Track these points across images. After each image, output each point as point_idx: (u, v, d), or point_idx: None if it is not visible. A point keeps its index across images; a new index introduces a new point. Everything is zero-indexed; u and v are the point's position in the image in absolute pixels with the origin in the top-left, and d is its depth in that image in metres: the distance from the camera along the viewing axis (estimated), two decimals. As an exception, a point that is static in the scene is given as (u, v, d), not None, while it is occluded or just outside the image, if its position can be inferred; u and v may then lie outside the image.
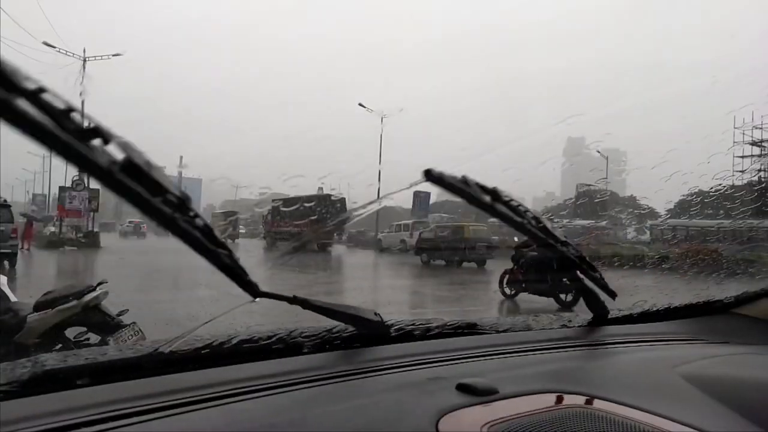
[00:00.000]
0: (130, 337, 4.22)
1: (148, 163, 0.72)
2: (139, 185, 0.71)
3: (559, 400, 0.95)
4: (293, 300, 1.03)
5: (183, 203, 0.78)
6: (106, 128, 0.68)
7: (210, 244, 0.84)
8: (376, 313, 1.17)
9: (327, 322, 1.14)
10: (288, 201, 27.69)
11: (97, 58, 30.95)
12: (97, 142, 0.67)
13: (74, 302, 4.16)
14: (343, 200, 26.45)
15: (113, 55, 31.96)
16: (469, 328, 1.29)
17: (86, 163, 0.66)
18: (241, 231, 42.17)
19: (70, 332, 4.25)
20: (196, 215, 0.82)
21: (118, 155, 0.69)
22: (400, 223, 31.23)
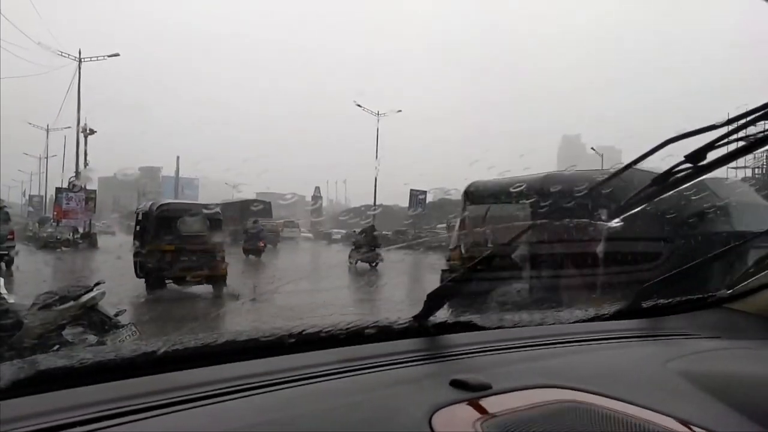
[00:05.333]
0: (127, 338, 4.22)
1: None
2: None
3: (552, 395, 0.96)
4: None
5: None
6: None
7: None
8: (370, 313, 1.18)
9: (318, 321, 1.14)
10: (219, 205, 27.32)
11: (93, 59, 30.73)
12: None
13: (72, 303, 4.16)
14: (268, 204, 25.91)
15: (109, 56, 31.65)
16: (463, 325, 1.30)
17: None
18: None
19: (68, 332, 4.25)
20: None
21: None
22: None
